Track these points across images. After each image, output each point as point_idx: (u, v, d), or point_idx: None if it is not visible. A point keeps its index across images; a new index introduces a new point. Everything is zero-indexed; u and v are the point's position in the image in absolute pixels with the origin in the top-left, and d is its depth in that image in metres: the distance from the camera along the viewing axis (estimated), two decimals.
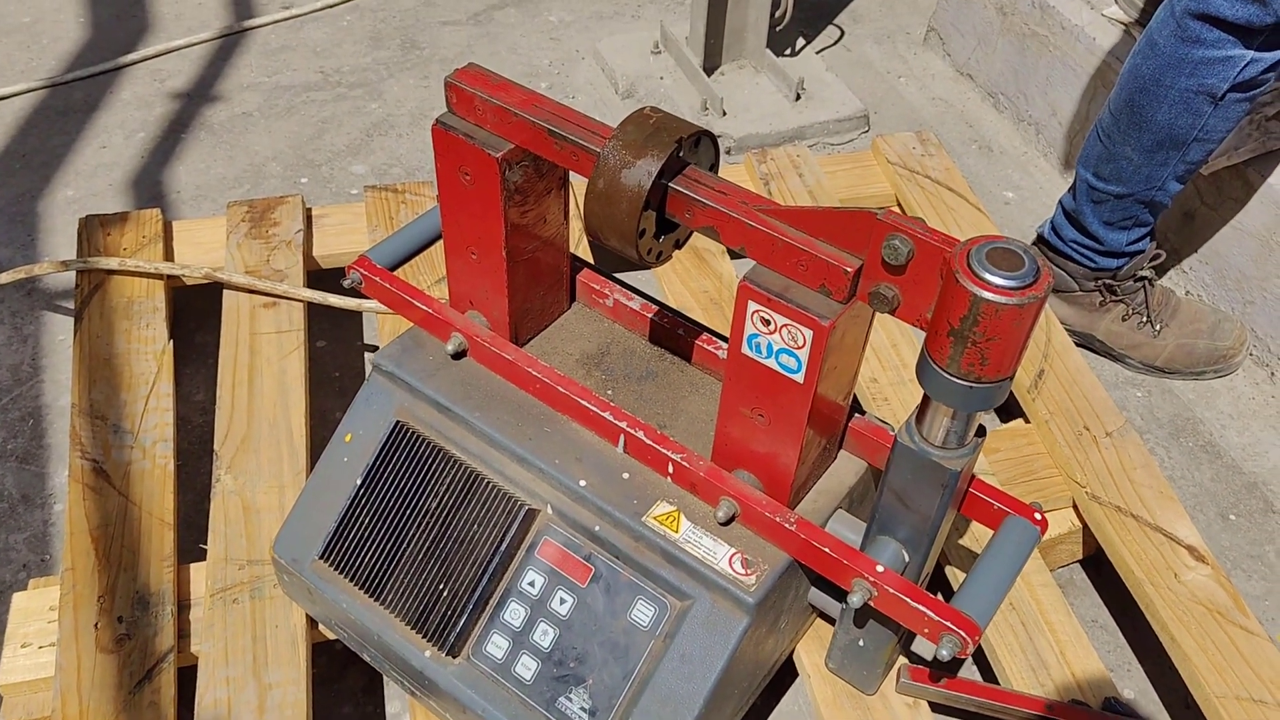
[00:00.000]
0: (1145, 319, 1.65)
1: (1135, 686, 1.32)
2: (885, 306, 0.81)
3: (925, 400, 0.85)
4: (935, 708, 1.12)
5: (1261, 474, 1.56)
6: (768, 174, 1.74)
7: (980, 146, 2.16)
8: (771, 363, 0.87)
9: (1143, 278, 1.64)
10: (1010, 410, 1.55)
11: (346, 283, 1.13)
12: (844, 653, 1.08)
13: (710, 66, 2.18)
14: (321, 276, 1.60)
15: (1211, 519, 1.50)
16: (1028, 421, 1.44)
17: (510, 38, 2.36)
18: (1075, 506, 1.35)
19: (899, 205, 1.76)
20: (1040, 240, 1.72)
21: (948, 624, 0.87)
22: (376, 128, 2.08)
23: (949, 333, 0.76)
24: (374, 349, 1.65)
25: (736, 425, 0.95)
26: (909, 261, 0.78)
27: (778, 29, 2.17)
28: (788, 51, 2.29)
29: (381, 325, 1.46)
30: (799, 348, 0.85)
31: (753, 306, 0.85)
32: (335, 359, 1.64)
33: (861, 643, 1.05)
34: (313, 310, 1.50)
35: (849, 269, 0.81)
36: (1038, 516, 0.96)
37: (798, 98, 2.12)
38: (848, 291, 0.82)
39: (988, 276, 0.73)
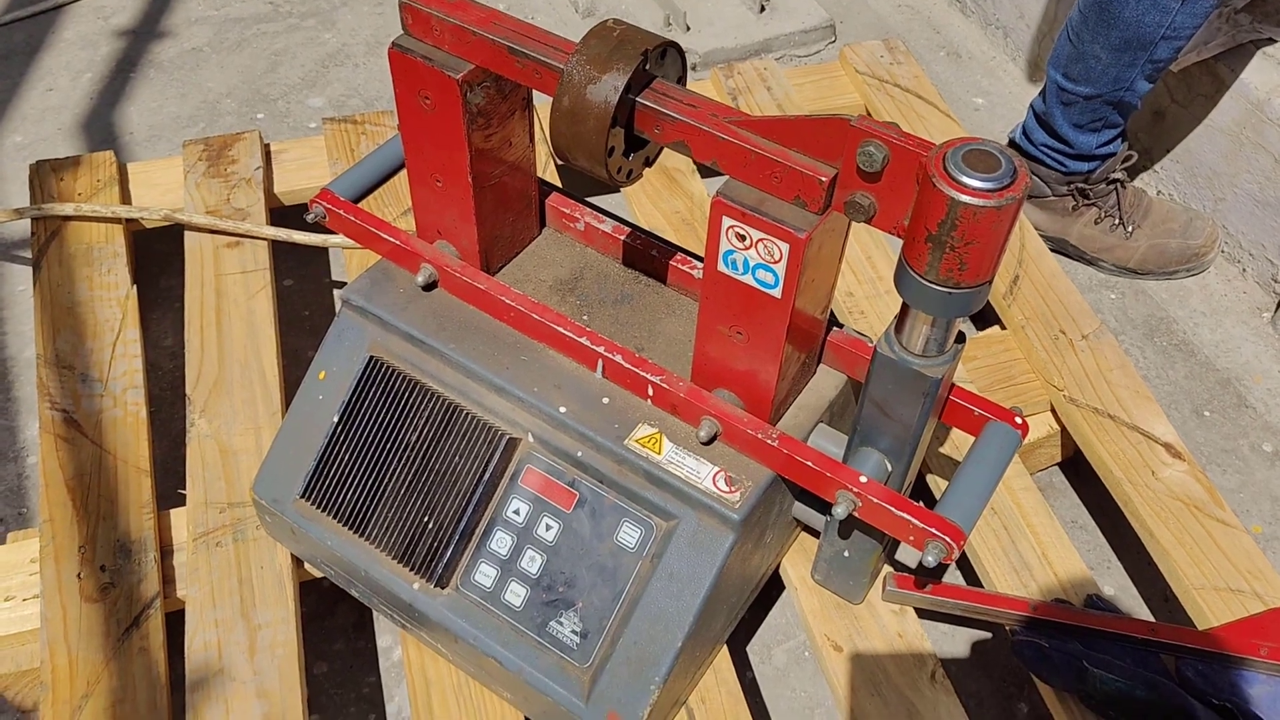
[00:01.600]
0: (1118, 221, 1.65)
1: (1115, 583, 1.35)
2: (862, 216, 0.80)
3: (904, 309, 0.84)
4: (922, 614, 1.14)
5: (1234, 369, 1.58)
6: (735, 89, 1.71)
7: (948, 53, 2.13)
8: (748, 279, 0.86)
9: (1114, 180, 1.63)
10: (986, 317, 1.55)
11: (310, 217, 1.10)
12: (829, 564, 1.09)
13: None
14: (284, 213, 1.56)
15: (1186, 416, 1.52)
16: (1004, 328, 1.44)
17: None
18: (1053, 410, 1.36)
19: (869, 115, 1.73)
20: (1011, 145, 1.70)
21: (933, 530, 0.87)
22: (331, 58, 2.03)
23: (927, 239, 0.75)
24: (343, 285, 1.63)
25: (715, 344, 0.94)
26: (884, 168, 0.76)
27: None
28: None
29: (349, 260, 1.44)
30: (775, 262, 0.83)
31: (727, 222, 0.83)
32: (304, 297, 1.61)
33: (847, 553, 1.05)
34: (278, 248, 1.47)
35: (824, 179, 0.79)
36: (1018, 421, 0.96)
37: (761, 9, 2.08)
38: (823, 202, 0.81)
39: (964, 179, 0.71)
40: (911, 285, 0.78)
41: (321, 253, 1.66)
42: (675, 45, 0.86)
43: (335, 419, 1.06)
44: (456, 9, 0.91)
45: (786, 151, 0.81)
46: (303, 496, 1.07)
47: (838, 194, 0.81)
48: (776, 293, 0.86)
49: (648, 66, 0.84)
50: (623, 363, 0.99)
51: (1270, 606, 1.12)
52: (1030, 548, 1.19)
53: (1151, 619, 1.28)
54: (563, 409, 0.99)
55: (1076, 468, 1.43)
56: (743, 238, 0.84)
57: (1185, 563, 1.17)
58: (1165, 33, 1.40)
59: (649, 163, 0.92)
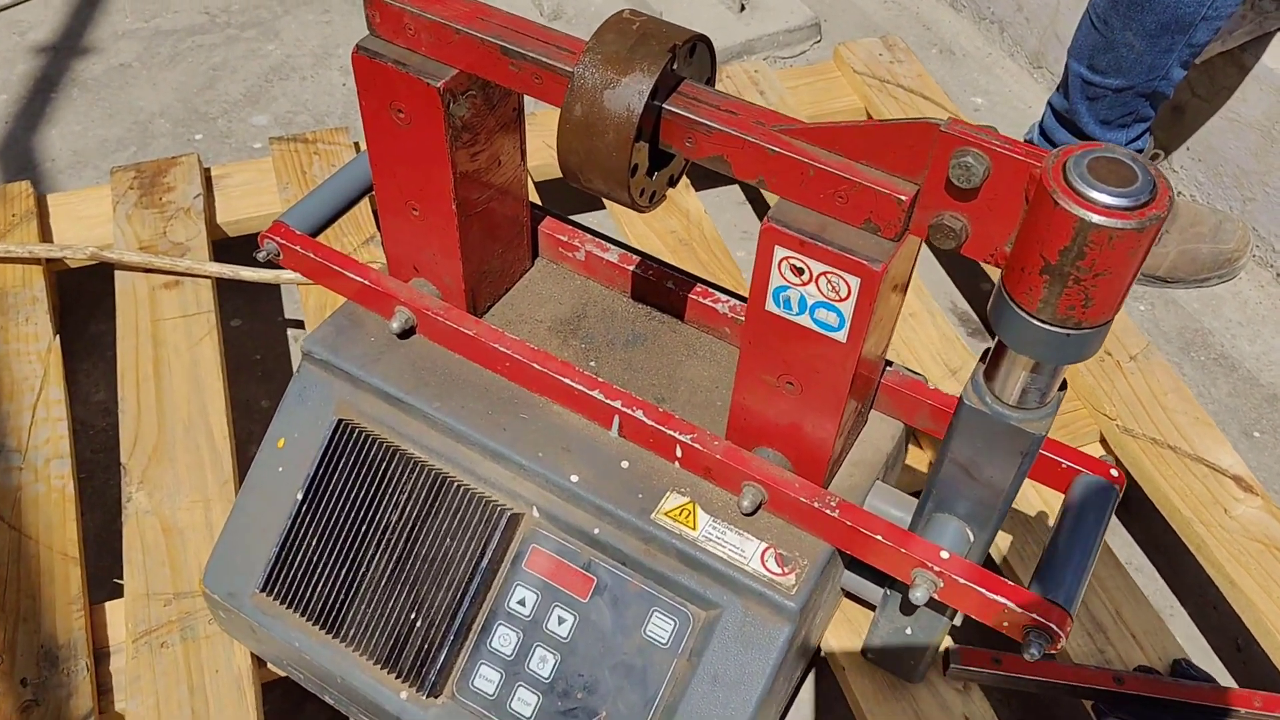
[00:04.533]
0: None
1: (1181, 631, 1.21)
2: (951, 241, 0.65)
3: (998, 350, 0.69)
4: (988, 689, 0.99)
5: None
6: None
7: (941, 50, 2.00)
8: (805, 320, 0.71)
9: None
10: None
11: (260, 255, 0.93)
12: (886, 641, 0.94)
13: None
14: (229, 246, 1.39)
15: (1236, 438, 1.39)
16: None
17: None
18: (1103, 440, 1.22)
19: (869, 118, 1.60)
20: None
21: (1034, 615, 0.73)
22: (275, 72, 1.85)
23: (1043, 269, 0.60)
24: (298, 324, 1.46)
25: (758, 396, 0.79)
26: (984, 183, 0.62)
27: None
28: None
29: (304, 297, 1.26)
30: (841, 300, 0.68)
31: (781, 253, 0.68)
32: (254, 339, 1.44)
33: (909, 630, 0.90)
34: (223, 286, 1.30)
35: (903, 197, 0.64)
36: (1113, 473, 0.82)
37: (742, 8, 1.94)
38: (901, 226, 0.65)
39: (1095, 195, 0.57)
40: (1015, 324, 0.63)
41: (274, 288, 1.49)
42: (705, 40, 0.71)
43: (299, 496, 0.89)
44: (434, 3, 0.74)
45: (853, 165, 0.66)
46: (263, 590, 0.90)
47: (919, 215, 0.66)
48: (840, 336, 0.71)
49: (674, 66, 0.68)
50: (644, 419, 0.83)
51: None
52: (1101, 605, 1.05)
53: (1227, 674, 1.14)
54: (574, 477, 0.83)
55: (1126, 502, 1.30)
56: (800, 271, 0.68)
57: (1275, 614, 1.03)
58: (1205, 12, 1.28)
59: (673, 182, 0.77)
